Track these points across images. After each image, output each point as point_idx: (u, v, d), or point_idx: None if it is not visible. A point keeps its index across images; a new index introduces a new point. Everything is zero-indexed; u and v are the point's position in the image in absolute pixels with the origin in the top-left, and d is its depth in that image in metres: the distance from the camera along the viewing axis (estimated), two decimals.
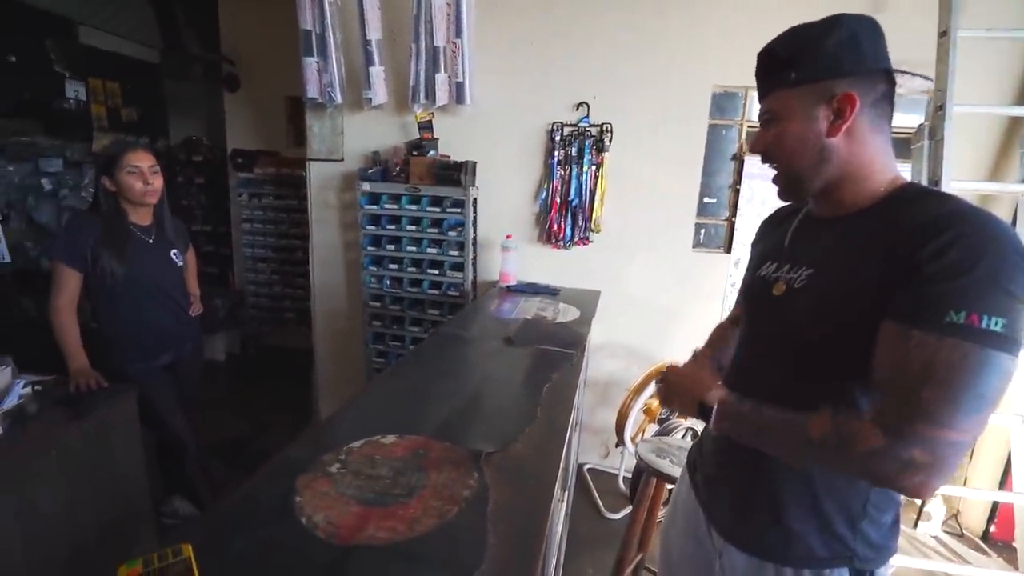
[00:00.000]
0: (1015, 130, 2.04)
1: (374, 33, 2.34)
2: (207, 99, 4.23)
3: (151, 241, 1.79)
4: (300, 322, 3.76)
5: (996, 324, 0.59)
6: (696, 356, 1.09)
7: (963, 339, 0.59)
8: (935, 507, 2.39)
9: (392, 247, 2.51)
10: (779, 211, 0.96)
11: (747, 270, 0.96)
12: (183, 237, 1.96)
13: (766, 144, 0.79)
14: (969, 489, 2.34)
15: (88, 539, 1.45)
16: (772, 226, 0.95)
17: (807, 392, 0.73)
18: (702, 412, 0.81)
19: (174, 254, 1.86)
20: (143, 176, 1.69)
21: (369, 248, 2.55)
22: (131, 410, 1.60)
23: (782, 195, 0.83)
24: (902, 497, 0.74)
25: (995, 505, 2.31)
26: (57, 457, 1.35)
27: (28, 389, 1.48)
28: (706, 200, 2.43)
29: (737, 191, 2.39)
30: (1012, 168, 2.05)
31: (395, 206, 2.45)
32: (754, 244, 1.00)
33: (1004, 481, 2.22)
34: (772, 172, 0.82)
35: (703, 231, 2.45)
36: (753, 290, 0.90)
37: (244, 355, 3.96)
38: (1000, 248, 0.60)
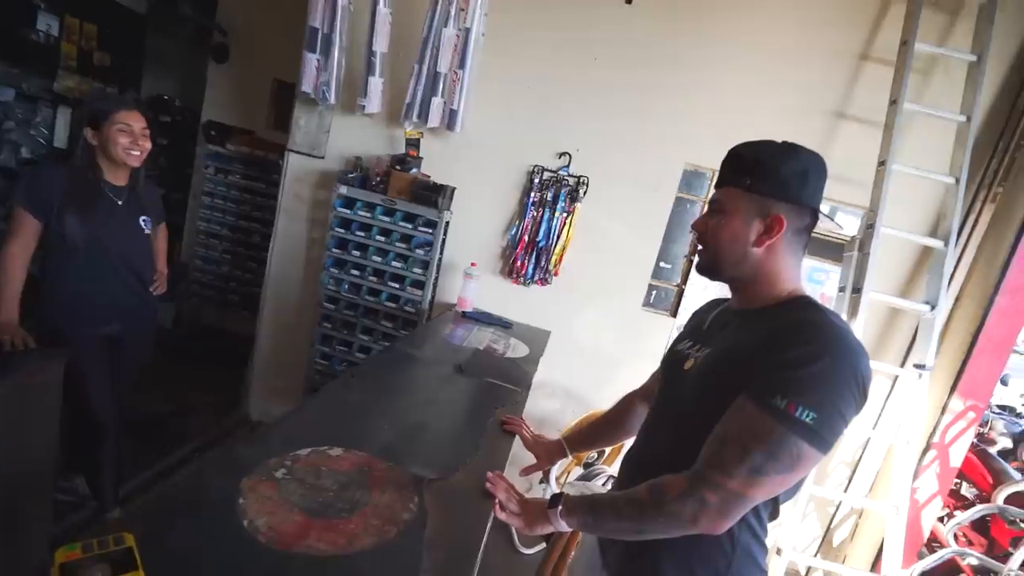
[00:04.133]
0: (927, 257, 2.34)
1: (380, 45, 2.40)
2: (189, 63, 4.09)
3: (120, 203, 1.72)
4: (243, 307, 3.65)
5: (807, 416, 0.73)
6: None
7: (775, 419, 0.74)
8: None
9: (358, 253, 2.52)
10: (709, 302, 1.11)
11: (670, 346, 1.09)
12: (156, 207, 1.89)
13: (706, 228, 0.93)
14: (846, 567, 2.57)
15: None
16: (700, 313, 1.10)
17: (687, 458, 0.82)
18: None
19: (143, 220, 1.79)
20: (133, 136, 1.65)
21: (334, 250, 2.55)
22: (56, 378, 1.51)
23: (699, 269, 0.98)
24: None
25: None
26: None
27: None
28: (662, 264, 2.60)
29: (691, 262, 2.58)
30: (920, 288, 2.35)
31: (368, 214, 2.48)
32: (684, 326, 1.14)
33: (876, 563, 2.47)
34: (700, 247, 0.96)
35: (655, 292, 2.62)
36: (669, 361, 1.04)
37: (177, 330, 3.78)
38: (836, 361, 0.74)
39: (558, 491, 1.74)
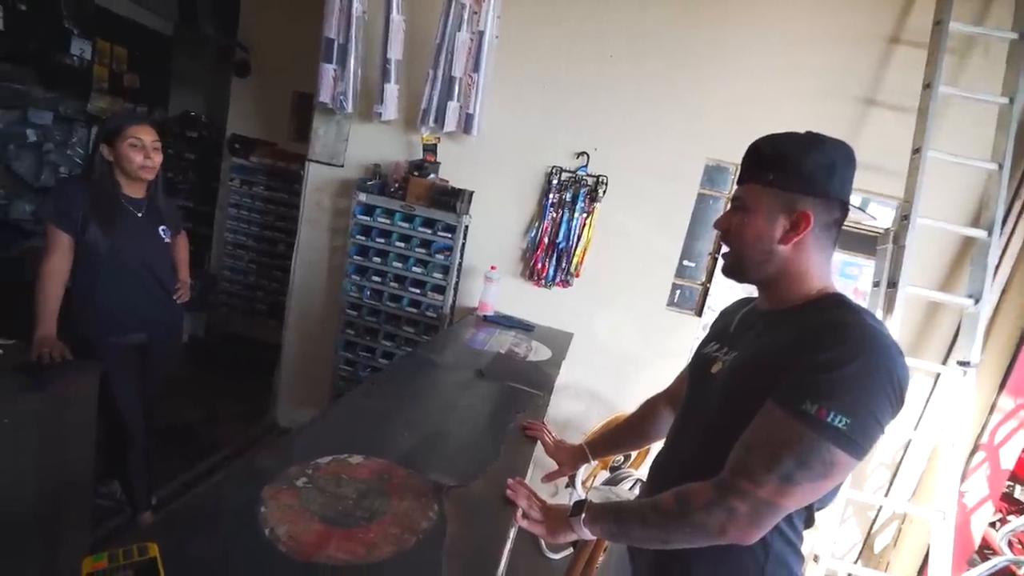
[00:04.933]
0: (968, 248, 2.23)
1: (395, 53, 2.42)
2: (213, 80, 4.23)
3: (140, 215, 1.77)
4: (271, 316, 3.72)
5: (840, 421, 0.68)
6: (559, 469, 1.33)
7: (806, 425, 0.70)
8: None
9: (378, 260, 2.54)
10: (736, 302, 1.06)
11: (696, 348, 1.05)
12: (175, 217, 1.94)
13: (730, 226, 0.89)
14: (888, 575, 2.46)
15: (22, 511, 1.41)
16: (727, 314, 1.05)
17: (714, 464, 0.79)
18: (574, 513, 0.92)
19: (162, 230, 1.84)
20: (144, 150, 1.69)
21: (355, 257, 2.57)
22: (92, 388, 1.57)
23: (724, 271, 0.93)
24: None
25: None
26: (9, 427, 1.32)
27: None
28: (686, 263, 2.54)
29: (715, 259, 2.52)
30: (962, 281, 2.23)
31: (388, 221, 2.50)
32: (710, 326, 1.10)
33: (922, 570, 2.35)
34: (725, 249, 0.92)
35: (679, 291, 2.57)
36: (696, 364, 1.00)
37: (208, 339, 3.88)
38: (871, 363, 0.70)
39: (584, 496, 1.71)
